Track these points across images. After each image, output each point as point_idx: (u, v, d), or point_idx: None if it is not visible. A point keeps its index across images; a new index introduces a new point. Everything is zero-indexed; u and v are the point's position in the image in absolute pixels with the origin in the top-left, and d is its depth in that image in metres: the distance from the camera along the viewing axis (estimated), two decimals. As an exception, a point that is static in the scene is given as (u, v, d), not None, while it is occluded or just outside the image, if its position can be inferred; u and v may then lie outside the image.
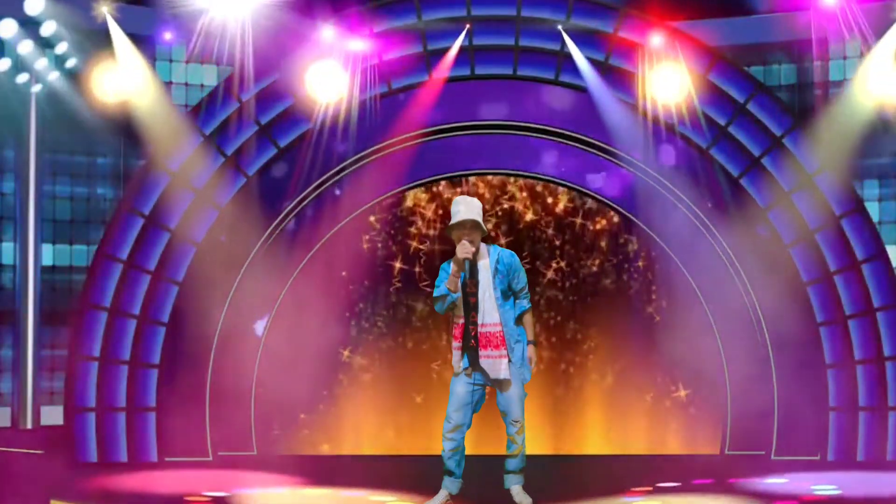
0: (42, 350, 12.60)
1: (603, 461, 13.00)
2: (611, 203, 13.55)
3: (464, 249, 7.98)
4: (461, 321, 8.09)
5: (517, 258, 8.26)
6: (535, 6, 13.16)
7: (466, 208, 8.07)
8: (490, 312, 8.02)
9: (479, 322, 8.02)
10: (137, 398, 12.66)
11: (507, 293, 8.11)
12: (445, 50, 13.12)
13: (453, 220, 8.11)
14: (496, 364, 8.04)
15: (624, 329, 13.70)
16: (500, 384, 8.16)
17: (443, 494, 8.29)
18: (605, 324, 13.77)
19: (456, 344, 8.16)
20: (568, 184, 13.57)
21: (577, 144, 13.32)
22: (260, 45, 12.43)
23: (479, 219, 8.05)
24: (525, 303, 8.18)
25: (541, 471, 9.53)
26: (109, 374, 12.58)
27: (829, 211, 12.86)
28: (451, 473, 8.25)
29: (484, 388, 8.23)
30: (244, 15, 12.21)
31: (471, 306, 8.04)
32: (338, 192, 13.33)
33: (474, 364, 8.10)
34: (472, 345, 8.05)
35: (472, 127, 13.50)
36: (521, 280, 8.18)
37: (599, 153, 13.31)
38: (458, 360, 8.15)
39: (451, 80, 13.33)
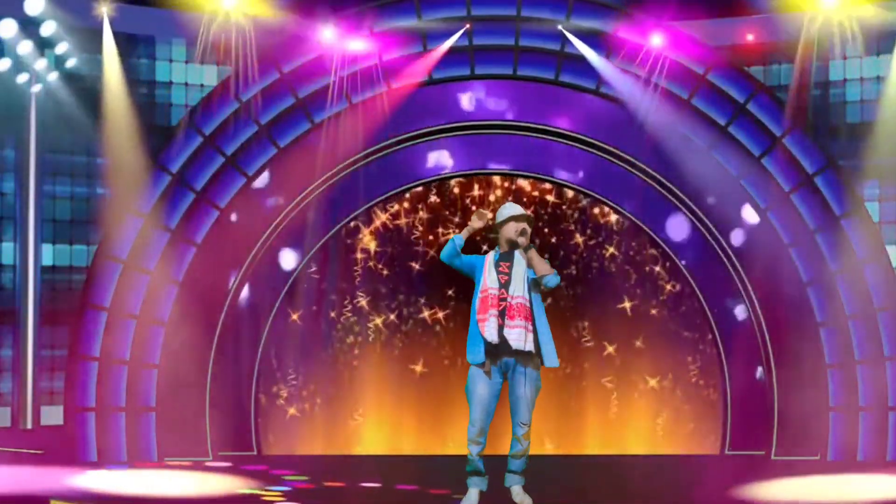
0: (42, 350, 12.59)
1: (603, 461, 13.00)
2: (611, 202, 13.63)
3: (518, 231, 8.19)
4: (484, 294, 8.14)
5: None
6: (535, 6, 13.16)
7: (519, 207, 8.37)
8: (521, 290, 8.12)
9: (510, 294, 8.10)
10: (137, 398, 12.67)
11: (536, 285, 8.18)
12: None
13: (509, 213, 8.28)
14: (520, 334, 8.06)
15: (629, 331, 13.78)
16: (517, 365, 8.11)
17: (475, 493, 8.24)
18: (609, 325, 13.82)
19: (480, 316, 8.13)
20: (579, 188, 13.65)
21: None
22: (260, 45, 12.48)
23: (528, 219, 8.28)
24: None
25: (541, 471, 9.52)
26: (109, 374, 12.58)
27: (830, 211, 12.88)
28: (479, 473, 8.23)
29: (502, 384, 8.22)
30: (245, 15, 12.25)
31: (501, 284, 8.15)
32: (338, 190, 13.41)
33: (496, 349, 8.08)
34: (500, 323, 8.08)
35: (472, 127, 13.55)
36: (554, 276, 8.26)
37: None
38: (489, 329, 8.10)
39: (449, 80, 13.38)
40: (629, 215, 13.62)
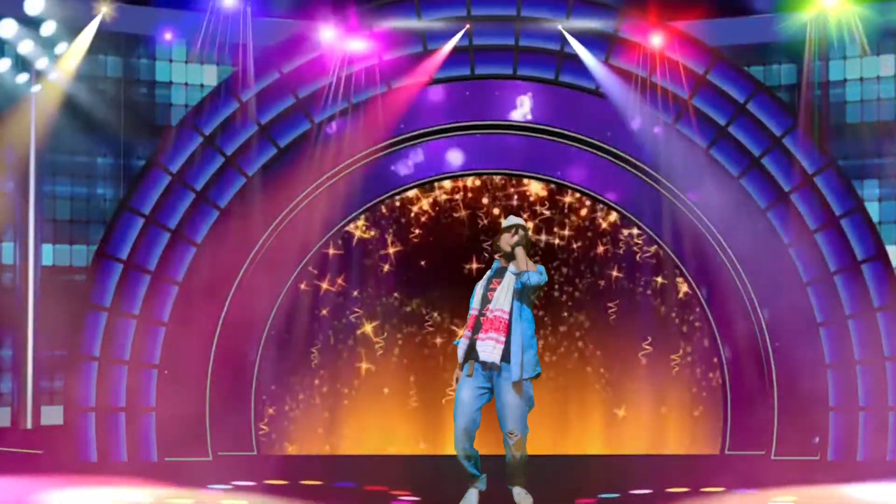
0: (42, 350, 12.59)
1: (603, 461, 13.00)
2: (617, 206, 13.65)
3: (508, 242, 8.16)
4: (475, 312, 8.17)
5: (541, 266, 8.28)
6: (535, 6, 13.16)
7: (515, 218, 8.36)
8: (501, 302, 8.06)
9: (490, 308, 8.07)
10: (137, 398, 12.67)
11: (523, 295, 8.09)
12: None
13: (503, 228, 8.29)
14: (490, 347, 8.01)
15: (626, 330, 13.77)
16: (496, 380, 8.09)
17: (474, 493, 8.23)
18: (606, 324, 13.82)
19: (466, 333, 8.17)
20: (581, 189, 13.66)
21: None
22: (260, 44, 12.50)
23: (521, 227, 8.19)
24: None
25: (541, 471, 9.52)
26: (109, 374, 12.59)
27: (829, 211, 12.87)
28: (474, 477, 8.21)
29: (489, 391, 8.17)
30: (244, 15, 12.28)
31: (488, 300, 8.14)
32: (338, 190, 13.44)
33: (472, 356, 8.09)
34: (477, 338, 8.09)
35: (472, 127, 13.55)
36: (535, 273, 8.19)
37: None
38: (460, 349, 8.14)
39: (450, 80, 13.38)
40: (616, 206, 13.63)
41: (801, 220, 12.94)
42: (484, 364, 8.05)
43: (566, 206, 13.81)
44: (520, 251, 8.10)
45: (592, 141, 13.36)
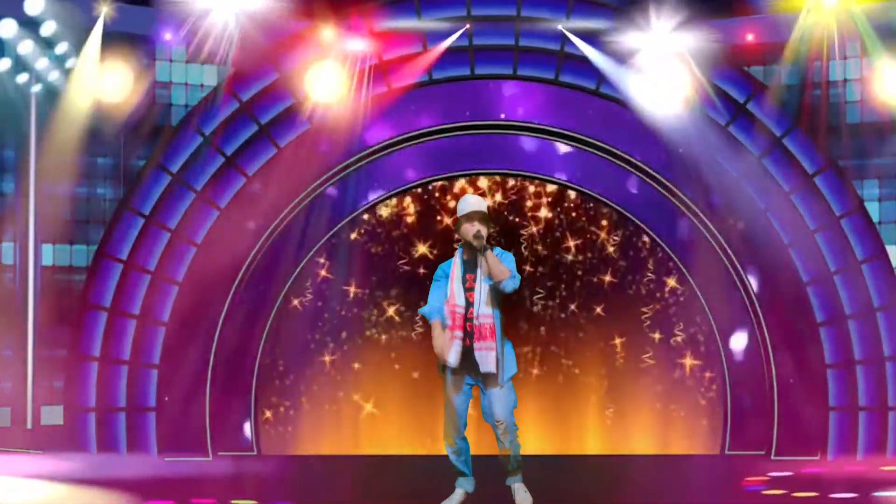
0: (42, 350, 12.60)
1: (603, 461, 13.00)
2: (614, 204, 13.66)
3: (473, 234, 8.00)
4: (451, 308, 8.10)
5: (510, 253, 8.21)
6: (535, 6, 13.16)
7: (476, 202, 8.15)
8: (483, 305, 8.03)
9: (476, 315, 8.04)
10: (137, 398, 12.68)
11: (497, 294, 8.07)
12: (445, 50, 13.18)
13: (461, 212, 8.13)
14: (486, 356, 8.01)
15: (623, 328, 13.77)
16: (486, 380, 8.11)
17: (459, 493, 8.26)
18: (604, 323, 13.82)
19: (457, 333, 8.09)
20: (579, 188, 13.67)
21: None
22: (259, 44, 12.50)
23: (480, 216, 8.05)
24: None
25: (541, 472, 9.53)
26: (109, 374, 12.60)
27: (829, 211, 12.88)
28: (462, 474, 8.25)
29: (472, 387, 8.22)
30: (243, 14, 12.28)
31: (469, 302, 8.08)
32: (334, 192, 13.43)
33: (465, 363, 8.08)
34: (467, 344, 8.06)
35: (472, 127, 13.56)
36: (506, 263, 8.11)
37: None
38: (454, 351, 8.10)
39: (449, 80, 13.38)
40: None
41: (801, 220, 12.94)
42: (467, 368, 8.08)
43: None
44: (491, 258, 7.97)
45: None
